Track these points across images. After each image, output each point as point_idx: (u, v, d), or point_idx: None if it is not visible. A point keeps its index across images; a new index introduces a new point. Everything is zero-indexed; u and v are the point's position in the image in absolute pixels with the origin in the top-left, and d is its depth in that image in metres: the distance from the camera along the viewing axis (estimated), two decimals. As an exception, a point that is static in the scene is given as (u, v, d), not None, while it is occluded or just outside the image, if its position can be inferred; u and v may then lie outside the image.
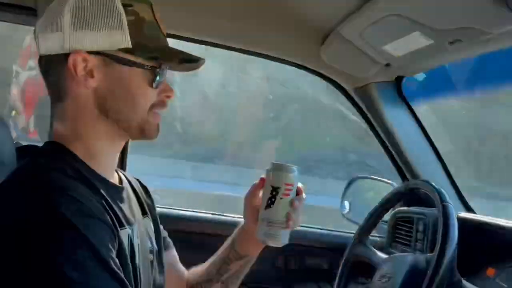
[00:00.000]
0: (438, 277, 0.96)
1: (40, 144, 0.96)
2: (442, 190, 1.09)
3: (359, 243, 1.29)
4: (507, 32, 0.97)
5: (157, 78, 0.85)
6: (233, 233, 1.09)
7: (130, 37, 0.82)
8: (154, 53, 0.84)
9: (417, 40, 1.14)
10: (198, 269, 1.15)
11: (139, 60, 0.83)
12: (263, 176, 0.97)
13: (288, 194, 0.93)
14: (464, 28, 1.01)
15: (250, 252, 1.07)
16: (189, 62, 0.89)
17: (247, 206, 1.02)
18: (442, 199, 1.06)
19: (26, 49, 4.26)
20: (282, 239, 0.95)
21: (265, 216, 0.94)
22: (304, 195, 0.97)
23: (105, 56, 0.82)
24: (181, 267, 1.17)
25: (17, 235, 0.71)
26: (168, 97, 0.89)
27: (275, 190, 0.93)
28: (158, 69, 0.85)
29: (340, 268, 1.29)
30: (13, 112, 3.93)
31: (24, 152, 1.07)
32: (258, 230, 0.95)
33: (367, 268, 1.33)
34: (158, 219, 1.09)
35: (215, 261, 1.11)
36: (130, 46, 0.82)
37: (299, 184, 0.96)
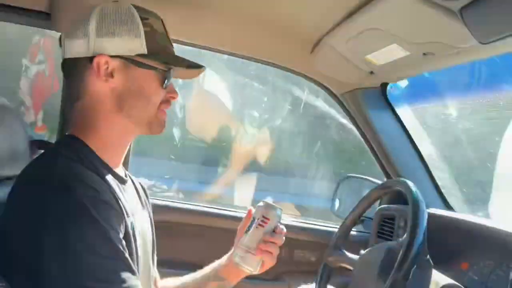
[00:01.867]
0: (409, 256, 1.02)
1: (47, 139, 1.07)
2: (408, 181, 1.15)
3: (335, 249, 1.34)
4: (472, 47, 1.07)
5: (167, 80, 0.99)
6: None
7: (146, 44, 0.96)
8: (165, 59, 0.98)
9: (395, 51, 1.24)
10: (174, 281, 1.24)
11: (153, 64, 0.97)
12: (251, 208, 1.11)
13: (262, 226, 1.05)
14: (433, 42, 1.11)
15: (228, 277, 1.16)
16: (194, 67, 1.03)
17: (237, 235, 1.14)
18: (409, 188, 1.12)
19: (36, 43, 4.30)
20: (250, 265, 1.06)
21: (241, 241, 1.07)
22: (282, 236, 1.07)
23: (124, 59, 0.96)
24: (156, 271, 1.24)
25: (39, 217, 0.81)
26: (173, 97, 1.02)
27: (253, 220, 1.06)
28: (167, 72, 0.98)
29: (320, 269, 1.35)
30: (22, 108, 4.01)
31: (37, 146, 1.19)
32: (233, 253, 1.09)
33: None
34: (152, 213, 1.18)
35: (195, 277, 1.21)
36: (146, 52, 0.96)
37: (280, 225, 1.08)
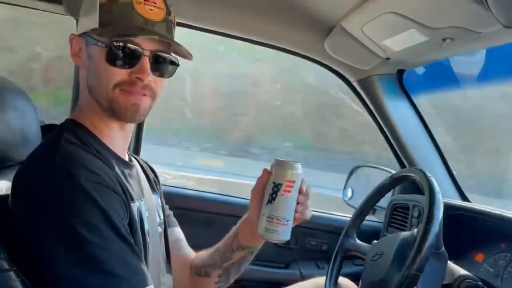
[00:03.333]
0: (424, 248, 0.99)
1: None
2: (425, 171, 1.11)
3: (347, 238, 1.31)
4: (494, 32, 1.03)
5: (114, 56, 0.88)
6: (238, 222, 1.13)
7: (100, 18, 0.89)
8: (112, 32, 0.88)
9: (413, 37, 1.20)
10: (204, 253, 1.21)
11: (101, 39, 0.89)
12: (267, 168, 0.99)
13: (289, 191, 0.94)
14: (454, 27, 1.07)
15: (252, 243, 1.11)
16: (132, 36, 0.88)
17: (251, 199, 1.03)
18: (426, 178, 1.08)
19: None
20: (281, 236, 0.96)
21: (265, 211, 0.96)
22: (309, 189, 0.99)
23: (84, 37, 0.93)
24: (187, 247, 1.23)
25: (41, 205, 0.80)
26: (139, 79, 0.90)
27: (276, 187, 0.95)
28: (114, 47, 0.88)
29: (333, 258, 1.31)
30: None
31: (48, 130, 1.18)
32: (258, 224, 0.98)
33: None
34: (163, 198, 1.17)
35: (219, 248, 1.16)
36: (97, 26, 0.89)
37: (304, 180, 0.97)
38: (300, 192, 0.96)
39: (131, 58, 0.89)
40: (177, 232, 1.23)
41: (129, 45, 0.88)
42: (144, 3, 0.89)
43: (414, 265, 0.98)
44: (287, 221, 0.95)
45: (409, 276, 0.98)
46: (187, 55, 0.96)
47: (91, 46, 0.91)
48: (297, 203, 0.96)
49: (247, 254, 1.13)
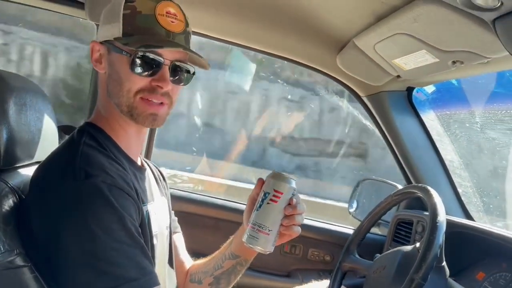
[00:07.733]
0: (428, 258, 1.00)
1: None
2: (428, 187, 1.12)
3: (349, 254, 1.31)
4: (503, 57, 1.05)
5: (135, 64, 0.92)
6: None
7: (123, 27, 0.93)
8: (138, 42, 0.92)
9: (423, 57, 1.22)
10: (201, 260, 1.23)
11: (126, 48, 0.93)
12: (261, 177, 1.01)
13: (275, 201, 0.95)
14: (464, 51, 1.09)
15: (243, 253, 1.12)
16: (154, 47, 0.92)
17: (246, 207, 1.05)
18: (431, 196, 1.10)
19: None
20: (262, 244, 0.96)
21: (251, 218, 0.98)
22: (299, 204, 0.97)
23: (105, 44, 0.97)
24: (185, 254, 1.26)
25: (58, 202, 0.84)
26: (159, 87, 0.94)
27: (264, 195, 0.96)
28: (138, 56, 0.92)
29: (334, 273, 1.32)
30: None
31: (64, 130, 1.22)
32: (245, 232, 0.99)
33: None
34: (170, 202, 1.20)
35: (215, 256, 1.19)
36: (121, 35, 0.93)
37: (295, 196, 0.97)
38: (289, 204, 0.97)
39: (153, 67, 0.93)
40: (178, 238, 1.25)
41: (152, 55, 0.92)
42: (166, 16, 0.94)
43: (419, 272, 0.99)
44: (269, 230, 0.95)
45: (414, 283, 0.99)
46: (205, 65, 1.01)
47: (114, 54, 0.95)
48: (285, 215, 0.97)
49: (236, 265, 1.14)
